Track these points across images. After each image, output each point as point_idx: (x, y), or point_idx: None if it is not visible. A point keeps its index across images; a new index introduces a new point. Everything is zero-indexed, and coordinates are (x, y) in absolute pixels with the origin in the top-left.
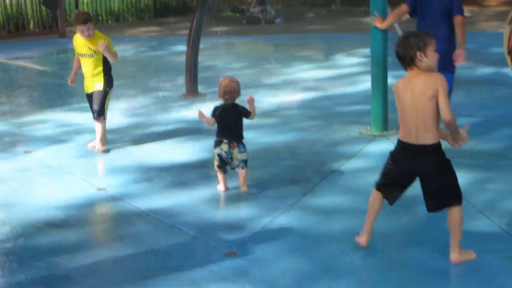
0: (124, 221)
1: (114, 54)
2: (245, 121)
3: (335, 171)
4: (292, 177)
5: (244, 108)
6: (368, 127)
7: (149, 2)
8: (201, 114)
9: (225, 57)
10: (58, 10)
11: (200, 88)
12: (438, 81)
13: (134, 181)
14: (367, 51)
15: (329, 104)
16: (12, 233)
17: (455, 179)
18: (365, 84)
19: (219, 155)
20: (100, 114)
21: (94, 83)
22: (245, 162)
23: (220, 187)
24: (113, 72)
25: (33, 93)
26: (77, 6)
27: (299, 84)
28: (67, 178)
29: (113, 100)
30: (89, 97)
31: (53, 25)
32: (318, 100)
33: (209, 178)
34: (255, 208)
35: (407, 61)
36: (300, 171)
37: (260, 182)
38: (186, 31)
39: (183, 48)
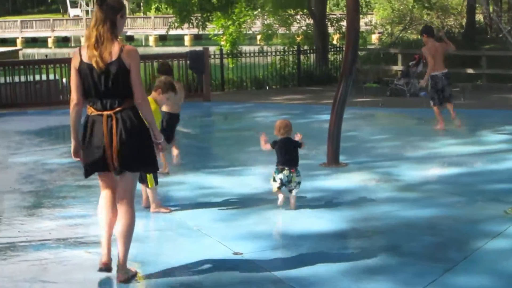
0: (259, 287)
1: None
2: (385, 194)
3: (478, 250)
4: (432, 254)
5: (296, 141)
6: None
7: (293, 71)
8: (264, 141)
9: (367, 128)
10: (204, 74)
11: (342, 158)
12: None
13: (271, 247)
14: None
15: (473, 181)
16: None
17: None
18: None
19: (281, 179)
20: None
21: None
22: (299, 183)
23: (280, 202)
24: (252, 138)
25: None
26: (222, 72)
27: (442, 158)
28: (204, 240)
29: (252, 166)
30: None
31: (198, 88)
32: (461, 176)
33: (347, 249)
34: (393, 283)
35: None
36: (441, 248)
37: (400, 256)
38: (330, 100)
39: (326, 116)
